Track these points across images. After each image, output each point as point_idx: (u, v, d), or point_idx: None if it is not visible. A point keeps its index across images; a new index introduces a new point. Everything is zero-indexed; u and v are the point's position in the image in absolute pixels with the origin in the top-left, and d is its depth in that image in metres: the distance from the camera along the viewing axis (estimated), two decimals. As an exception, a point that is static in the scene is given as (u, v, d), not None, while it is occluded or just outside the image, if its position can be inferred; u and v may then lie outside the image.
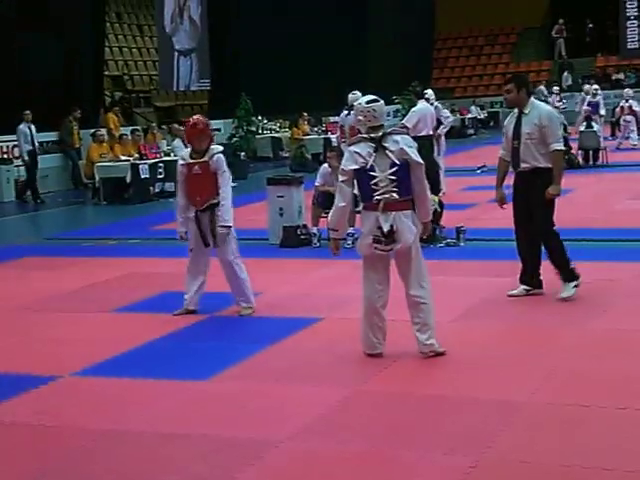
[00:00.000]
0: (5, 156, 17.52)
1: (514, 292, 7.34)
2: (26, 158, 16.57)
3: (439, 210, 9.87)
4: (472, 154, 20.55)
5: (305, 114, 22.28)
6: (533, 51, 35.58)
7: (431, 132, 11.96)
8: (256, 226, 11.16)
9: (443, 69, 36.42)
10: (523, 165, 7.18)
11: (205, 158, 7.15)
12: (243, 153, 19.91)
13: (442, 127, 13.26)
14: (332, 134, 21.59)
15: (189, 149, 7.36)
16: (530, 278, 7.37)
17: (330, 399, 5.22)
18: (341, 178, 5.84)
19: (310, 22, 25.56)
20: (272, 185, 10.88)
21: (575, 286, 7.22)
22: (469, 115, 28.53)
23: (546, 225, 7.21)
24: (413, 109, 11.17)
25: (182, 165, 7.27)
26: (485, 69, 36.20)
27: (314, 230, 10.43)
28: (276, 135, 23.25)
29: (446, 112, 14.63)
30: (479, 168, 16.86)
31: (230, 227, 7.14)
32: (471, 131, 27.94)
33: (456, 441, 4.53)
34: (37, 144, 16.78)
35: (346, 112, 13.06)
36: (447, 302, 6.88)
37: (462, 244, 9.81)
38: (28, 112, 16.49)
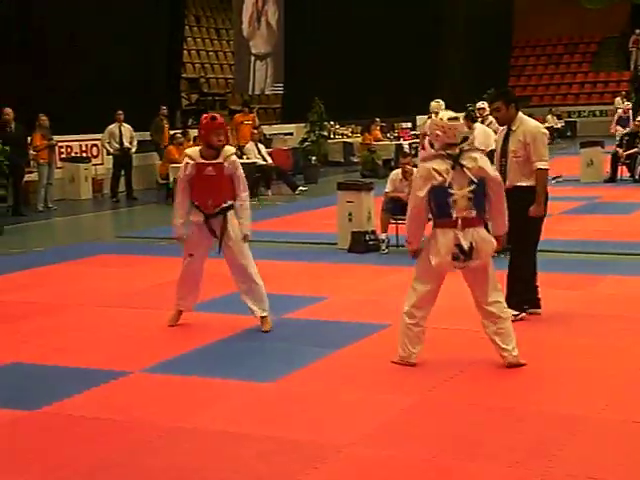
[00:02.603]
0: (84, 154, 17.91)
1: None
2: (111, 157, 16.89)
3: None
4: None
5: (377, 119, 22.24)
6: (613, 61, 34.88)
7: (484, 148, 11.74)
8: (325, 230, 11.20)
9: (520, 77, 35.98)
10: (509, 183, 6.89)
11: (219, 159, 6.73)
12: (314, 157, 20.01)
13: None
14: (404, 140, 21.53)
15: (197, 148, 6.92)
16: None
17: (395, 406, 5.21)
18: (412, 204, 5.78)
19: (385, 28, 25.56)
20: (342, 190, 10.92)
21: (514, 316, 6.50)
22: (545, 124, 28.12)
23: (520, 244, 6.88)
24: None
25: (191, 165, 6.76)
26: (563, 78, 35.63)
27: (382, 236, 10.42)
28: (348, 140, 23.29)
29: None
30: (554, 178, 16.57)
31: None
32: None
33: (521, 454, 4.47)
34: (128, 144, 16.88)
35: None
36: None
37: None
38: (120, 112, 16.75)
